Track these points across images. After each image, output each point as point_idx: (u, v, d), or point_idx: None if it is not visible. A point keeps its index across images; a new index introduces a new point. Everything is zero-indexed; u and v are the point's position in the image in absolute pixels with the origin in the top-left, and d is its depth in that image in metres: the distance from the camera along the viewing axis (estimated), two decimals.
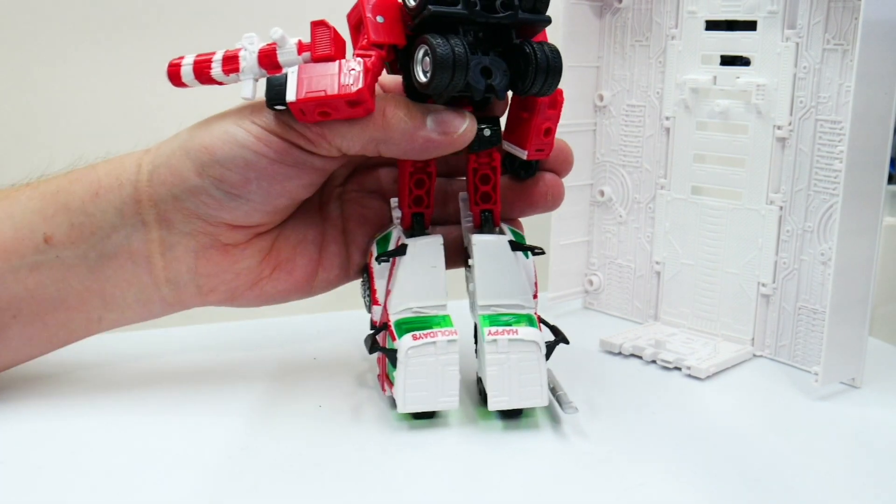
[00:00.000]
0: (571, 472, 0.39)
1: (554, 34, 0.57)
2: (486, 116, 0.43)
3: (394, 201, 0.47)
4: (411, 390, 0.41)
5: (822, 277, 0.51)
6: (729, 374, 0.52)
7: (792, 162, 0.51)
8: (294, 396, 0.47)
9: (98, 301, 0.45)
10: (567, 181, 0.60)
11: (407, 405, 0.41)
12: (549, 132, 0.44)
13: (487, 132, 0.43)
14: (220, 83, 0.43)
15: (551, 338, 0.44)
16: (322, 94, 0.39)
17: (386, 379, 0.44)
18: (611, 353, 0.54)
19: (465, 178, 0.47)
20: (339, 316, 0.60)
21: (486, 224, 0.46)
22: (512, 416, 0.44)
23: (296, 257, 0.47)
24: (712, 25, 0.54)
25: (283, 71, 0.41)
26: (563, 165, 0.48)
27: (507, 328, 0.42)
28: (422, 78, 0.40)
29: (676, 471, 0.40)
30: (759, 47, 0.52)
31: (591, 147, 0.61)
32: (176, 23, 0.64)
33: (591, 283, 0.63)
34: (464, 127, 0.41)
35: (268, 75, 0.41)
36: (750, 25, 0.52)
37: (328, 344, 0.55)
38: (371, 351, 0.43)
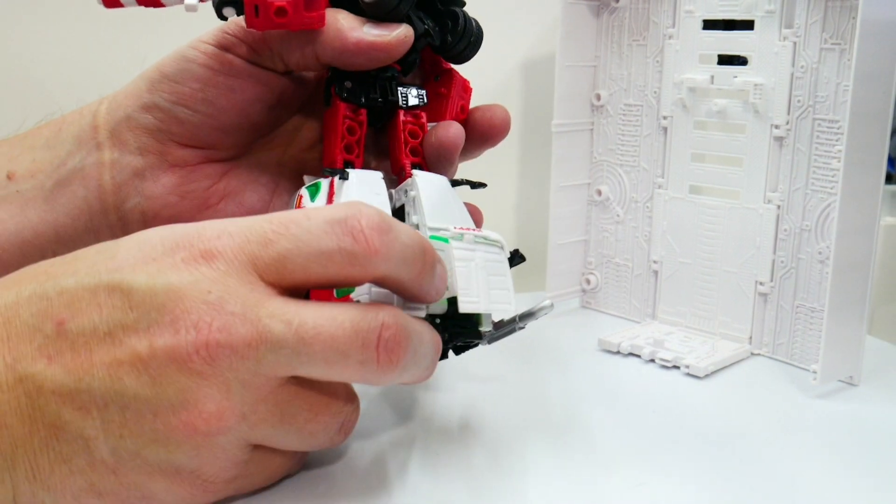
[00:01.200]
0: (570, 471, 0.40)
1: (551, 33, 0.57)
2: (411, 85, 0.45)
3: (307, 178, 0.46)
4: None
5: (820, 276, 0.51)
6: (727, 373, 0.52)
7: (789, 161, 0.52)
8: None
9: (52, 233, 0.44)
10: (564, 181, 0.61)
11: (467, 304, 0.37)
12: (464, 110, 0.46)
13: (415, 92, 0.45)
14: (160, 4, 0.42)
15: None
16: None
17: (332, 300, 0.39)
18: (609, 351, 0.54)
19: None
20: None
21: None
22: (473, 337, 0.40)
23: (246, 192, 0.46)
24: (710, 25, 0.54)
25: None
26: (493, 131, 0.46)
27: (469, 229, 0.40)
28: None
29: (675, 469, 0.40)
30: (757, 47, 0.52)
31: (588, 146, 0.62)
32: None
33: (588, 282, 0.63)
34: (399, 30, 0.42)
35: None
36: (747, 25, 0.52)
37: None
38: None
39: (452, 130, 0.44)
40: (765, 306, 0.54)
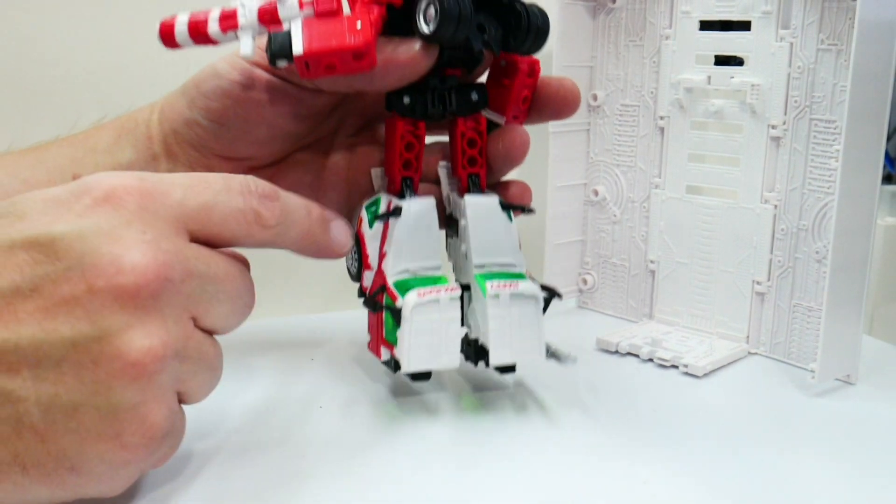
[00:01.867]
0: (570, 471, 0.40)
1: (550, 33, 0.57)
2: (471, 83, 0.45)
3: (375, 171, 0.48)
4: (416, 349, 0.41)
5: (817, 275, 0.51)
6: (725, 372, 0.52)
7: (787, 161, 0.52)
8: (293, 397, 0.47)
9: None
10: (561, 181, 0.61)
11: (412, 364, 0.41)
12: (527, 100, 0.46)
13: (475, 96, 0.45)
14: (216, 42, 0.43)
15: (545, 294, 0.44)
16: (329, 46, 0.39)
17: (383, 342, 0.43)
18: (607, 351, 0.55)
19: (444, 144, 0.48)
20: (339, 316, 0.60)
21: (474, 187, 0.46)
22: (508, 369, 0.45)
23: (295, 191, 0.47)
24: (706, 25, 0.54)
25: (284, 27, 0.41)
26: (568, 104, 0.47)
27: (507, 282, 0.42)
28: (425, 29, 0.41)
29: (674, 468, 0.40)
30: (754, 47, 0.52)
31: (584, 147, 0.62)
32: None
33: (585, 282, 0.63)
34: (416, 46, 0.42)
35: (268, 32, 0.41)
36: (744, 25, 0.53)
37: (327, 344, 0.55)
38: (375, 310, 0.43)
39: (517, 137, 0.46)
40: (762, 306, 0.54)
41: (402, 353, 0.41)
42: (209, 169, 0.46)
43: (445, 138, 0.48)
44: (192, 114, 0.45)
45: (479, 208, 0.45)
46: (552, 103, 0.46)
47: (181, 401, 0.35)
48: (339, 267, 0.47)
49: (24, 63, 0.60)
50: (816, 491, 0.38)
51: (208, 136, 0.46)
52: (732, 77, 0.53)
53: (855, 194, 0.47)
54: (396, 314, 0.41)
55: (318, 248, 0.41)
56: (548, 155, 0.60)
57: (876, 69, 0.46)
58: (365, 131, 0.51)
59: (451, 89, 0.44)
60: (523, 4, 0.43)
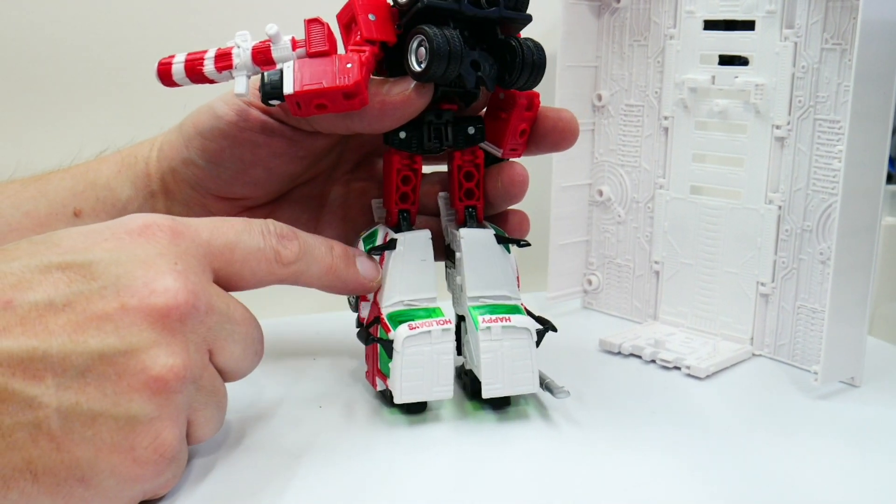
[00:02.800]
0: (570, 471, 0.40)
1: (552, 34, 0.57)
2: (469, 116, 0.45)
3: (375, 202, 0.48)
4: (407, 380, 0.42)
5: (821, 277, 0.51)
6: (728, 374, 0.52)
7: (791, 161, 0.51)
8: (294, 397, 0.47)
9: None
10: (565, 181, 0.61)
11: (403, 395, 0.42)
12: (524, 133, 0.46)
13: (472, 130, 0.45)
14: (213, 81, 0.43)
15: (538, 327, 0.44)
16: (319, 85, 0.40)
17: (378, 373, 0.44)
18: (610, 352, 0.54)
19: (439, 175, 0.49)
20: (339, 316, 0.60)
21: (471, 220, 0.46)
22: (501, 405, 0.45)
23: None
24: (711, 25, 0.54)
25: (278, 66, 0.41)
26: (566, 137, 0.47)
27: (500, 316, 0.43)
28: (416, 68, 0.41)
29: (676, 470, 0.40)
30: (758, 47, 0.52)
31: (589, 147, 0.62)
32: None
33: (589, 282, 0.63)
34: (410, 86, 0.42)
35: (262, 71, 0.41)
36: (748, 25, 0.52)
37: (328, 344, 0.55)
38: (367, 342, 0.43)
39: (516, 173, 0.46)
40: (766, 307, 0.54)
41: (394, 385, 0.42)
42: (205, 208, 0.47)
43: (445, 168, 0.48)
44: (189, 153, 0.46)
45: (474, 242, 0.45)
46: (550, 136, 0.46)
47: (188, 434, 0.36)
48: None
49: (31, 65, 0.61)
50: (819, 494, 0.38)
51: (205, 175, 0.46)
52: (736, 77, 0.53)
53: (859, 195, 0.47)
54: (388, 346, 0.42)
55: (344, 284, 0.42)
56: (552, 155, 0.60)
57: (879, 69, 0.46)
58: (363, 167, 0.51)
59: (447, 123, 0.44)
60: (518, 40, 0.42)
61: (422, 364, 0.42)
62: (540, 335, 0.44)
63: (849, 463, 0.41)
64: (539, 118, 0.46)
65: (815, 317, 0.51)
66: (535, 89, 0.44)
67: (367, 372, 0.46)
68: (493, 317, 0.43)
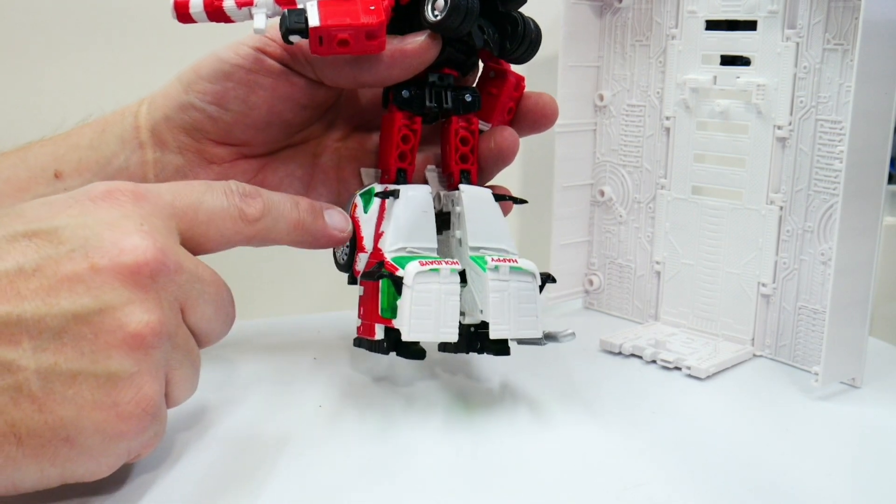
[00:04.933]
0: (570, 471, 0.39)
1: (554, 34, 0.57)
2: (466, 86, 0.48)
3: (364, 170, 0.49)
4: (416, 317, 0.41)
5: (823, 277, 0.51)
6: (729, 374, 0.52)
7: (792, 162, 0.51)
8: (294, 396, 0.47)
9: None
10: (567, 181, 0.61)
11: (412, 332, 0.41)
12: (511, 111, 0.49)
13: (469, 97, 0.47)
14: (229, 20, 0.44)
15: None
16: (344, 22, 0.41)
17: (378, 320, 0.43)
18: (611, 352, 0.54)
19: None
20: (340, 316, 0.60)
21: (466, 181, 0.47)
22: (501, 352, 0.45)
23: (281, 186, 0.49)
24: (712, 25, 0.54)
25: (300, 6, 0.42)
26: (546, 115, 0.49)
27: (507, 258, 0.43)
28: (432, 17, 0.43)
29: (676, 471, 0.40)
30: (760, 47, 0.52)
31: (591, 147, 0.61)
32: None
33: (591, 283, 0.63)
34: (423, 37, 0.43)
35: (283, 10, 0.42)
36: (750, 25, 0.52)
37: (328, 344, 0.55)
38: (375, 278, 0.42)
39: (508, 136, 0.47)
40: (767, 308, 0.54)
41: (402, 321, 0.41)
42: (201, 154, 0.47)
43: (433, 150, 0.49)
44: (189, 97, 0.46)
45: (473, 196, 0.46)
46: (530, 115, 0.48)
47: (166, 394, 0.36)
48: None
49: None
50: (820, 496, 0.38)
51: (205, 119, 0.46)
52: (738, 77, 0.53)
53: (860, 195, 0.46)
54: (398, 283, 0.41)
55: (313, 237, 0.42)
56: (554, 155, 0.60)
57: (881, 69, 0.46)
58: (354, 136, 0.51)
59: (447, 88, 0.46)
60: (520, 14, 0.45)
61: (430, 302, 0.41)
62: (541, 284, 0.44)
63: (849, 464, 0.41)
64: (522, 98, 0.48)
65: (816, 317, 0.51)
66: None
67: (359, 327, 0.45)
68: (501, 258, 0.43)
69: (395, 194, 0.45)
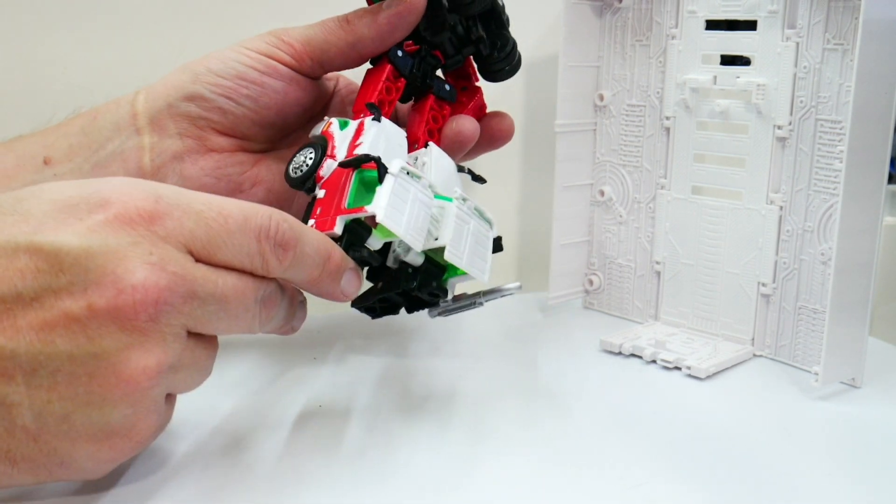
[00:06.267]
0: (570, 471, 0.39)
1: (554, 33, 0.57)
2: (446, 81, 0.51)
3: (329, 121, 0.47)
4: (392, 206, 0.39)
5: (822, 277, 0.51)
6: (729, 374, 0.52)
7: (792, 162, 0.51)
8: (294, 396, 0.47)
9: None
10: (567, 181, 0.61)
11: (387, 218, 0.39)
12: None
13: (449, 87, 0.50)
14: None
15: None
16: None
17: (340, 212, 0.40)
18: (611, 352, 0.54)
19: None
20: (340, 316, 0.60)
21: None
22: (434, 295, 0.43)
23: (275, 181, 0.49)
24: (712, 25, 0.54)
25: None
26: (499, 135, 0.52)
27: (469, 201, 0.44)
28: None
29: (676, 471, 0.40)
30: (760, 47, 0.52)
31: (591, 147, 0.61)
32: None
33: (591, 282, 0.63)
34: None
35: None
36: (750, 25, 0.52)
37: (328, 344, 0.55)
38: (355, 165, 0.41)
39: (470, 125, 0.49)
40: (767, 308, 0.54)
41: (378, 204, 0.39)
42: (201, 141, 0.47)
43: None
44: (197, 87, 0.46)
45: (440, 154, 0.47)
46: (490, 131, 0.51)
47: (168, 394, 0.36)
48: None
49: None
50: (819, 496, 0.38)
51: (212, 109, 0.47)
52: (738, 77, 0.53)
53: (860, 195, 0.46)
54: (383, 169, 0.40)
55: (320, 293, 0.40)
56: (554, 155, 0.60)
57: (881, 69, 0.46)
58: None
59: (433, 67, 0.49)
60: (510, 36, 0.50)
61: (406, 200, 0.40)
62: (496, 242, 0.45)
63: (849, 464, 0.41)
64: (484, 117, 0.52)
65: (816, 317, 0.51)
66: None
67: (315, 223, 0.41)
68: (467, 197, 0.44)
69: (377, 116, 0.45)
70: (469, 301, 0.44)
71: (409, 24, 0.47)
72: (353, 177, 0.41)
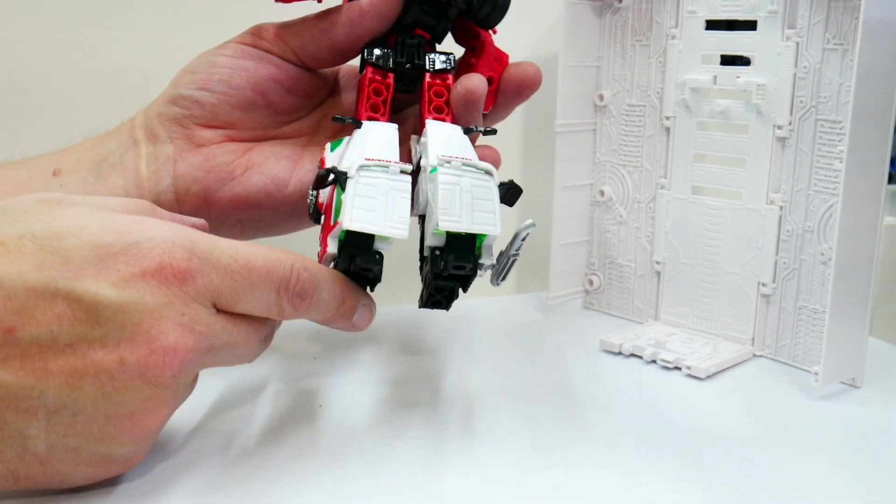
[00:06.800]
0: (570, 471, 0.39)
1: (554, 33, 0.57)
2: (441, 52, 0.48)
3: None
4: (359, 207, 0.39)
5: (822, 277, 0.51)
6: (729, 374, 0.52)
7: (792, 162, 0.51)
8: (294, 396, 0.47)
9: None
10: (568, 181, 0.61)
11: (353, 222, 0.39)
12: (492, 81, 0.49)
13: (442, 59, 0.48)
14: None
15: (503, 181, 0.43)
16: None
17: (329, 231, 0.40)
18: (611, 352, 0.54)
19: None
20: None
21: None
22: (465, 279, 0.42)
23: (268, 163, 0.50)
24: (712, 25, 0.54)
25: None
26: (525, 85, 0.50)
27: (461, 157, 0.42)
28: None
29: (676, 471, 0.40)
30: (760, 47, 0.52)
31: (591, 147, 0.62)
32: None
33: (591, 283, 0.63)
34: None
35: None
36: (750, 25, 0.52)
37: (328, 344, 0.55)
38: (321, 176, 0.41)
39: (475, 79, 0.47)
40: (767, 308, 0.54)
41: (344, 213, 0.39)
42: (190, 139, 0.48)
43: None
44: (177, 89, 0.48)
45: (439, 125, 0.45)
46: (512, 81, 0.49)
47: None
48: None
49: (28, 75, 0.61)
50: (819, 495, 0.38)
51: (191, 105, 0.48)
52: (738, 77, 0.53)
53: (860, 195, 0.46)
54: (342, 177, 0.40)
55: (332, 328, 0.43)
56: (554, 155, 0.60)
57: (881, 69, 0.46)
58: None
59: (419, 47, 0.48)
60: None
61: (375, 195, 0.40)
62: (514, 193, 0.42)
63: (849, 464, 0.41)
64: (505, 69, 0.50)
65: (816, 317, 0.51)
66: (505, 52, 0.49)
67: (318, 253, 0.42)
68: (452, 156, 0.41)
69: (357, 124, 0.45)
70: (505, 259, 0.42)
71: (387, 17, 0.47)
72: (335, 193, 0.41)
